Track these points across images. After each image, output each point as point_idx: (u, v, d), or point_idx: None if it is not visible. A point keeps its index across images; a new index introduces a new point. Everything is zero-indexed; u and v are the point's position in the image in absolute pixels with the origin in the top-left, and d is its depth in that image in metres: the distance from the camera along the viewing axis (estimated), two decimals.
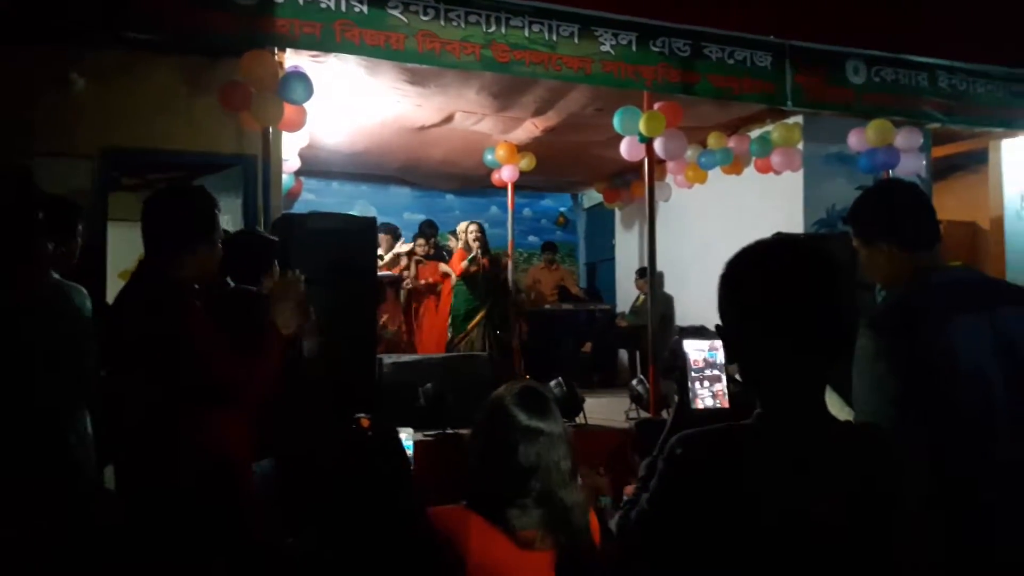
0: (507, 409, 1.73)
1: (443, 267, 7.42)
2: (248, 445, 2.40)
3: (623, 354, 8.55)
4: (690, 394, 1.61)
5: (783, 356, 1.22)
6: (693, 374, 1.62)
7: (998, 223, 7.28)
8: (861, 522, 1.16)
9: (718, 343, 1.61)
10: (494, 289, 7.07)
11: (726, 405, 1.58)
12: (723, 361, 1.60)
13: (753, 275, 1.26)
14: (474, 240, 6.99)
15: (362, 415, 1.70)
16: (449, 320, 7.18)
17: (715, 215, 7.30)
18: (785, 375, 1.23)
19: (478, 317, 6.92)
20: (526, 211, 10.52)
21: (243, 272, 2.93)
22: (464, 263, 6.93)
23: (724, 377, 1.59)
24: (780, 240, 1.30)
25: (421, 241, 7.63)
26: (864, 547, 1.16)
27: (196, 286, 2.39)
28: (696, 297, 7.34)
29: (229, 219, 5.12)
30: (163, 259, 2.30)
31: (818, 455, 1.19)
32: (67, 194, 3.56)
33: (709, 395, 1.61)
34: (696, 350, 1.66)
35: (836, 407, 2.08)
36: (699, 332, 2.37)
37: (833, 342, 1.23)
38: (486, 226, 8.02)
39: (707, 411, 1.57)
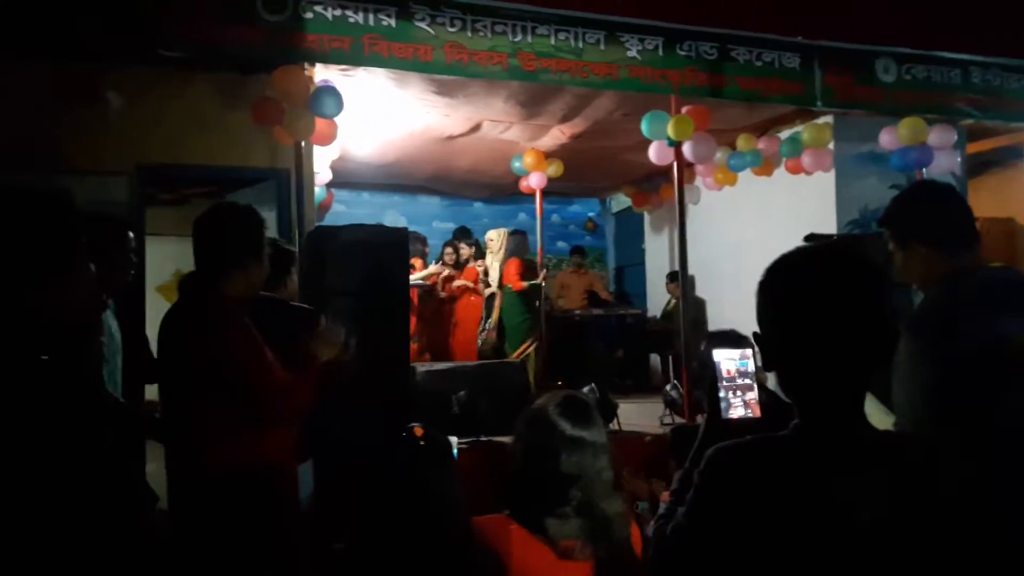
0: (550, 419, 1.75)
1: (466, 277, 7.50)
2: (292, 457, 2.45)
3: (655, 359, 8.51)
4: (722, 404, 1.60)
5: (823, 365, 1.21)
6: (724, 383, 1.62)
7: None
8: (903, 534, 1.14)
9: (748, 351, 1.60)
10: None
11: (758, 415, 1.57)
12: (754, 370, 1.60)
13: (792, 283, 1.26)
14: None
15: (416, 424, 1.72)
16: (481, 327, 7.23)
17: (746, 217, 7.25)
18: (825, 384, 1.22)
19: (533, 340, 7.02)
20: (554, 217, 10.52)
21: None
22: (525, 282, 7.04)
23: (756, 386, 1.59)
24: (818, 247, 1.29)
25: (450, 251, 7.66)
26: (908, 560, 1.14)
27: (245, 302, 2.45)
28: (728, 300, 7.28)
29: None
30: (214, 276, 2.37)
31: (858, 467, 1.17)
32: (104, 211, 3.64)
33: (741, 404, 1.60)
34: (727, 359, 1.66)
35: (877, 415, 2.07)
36: (727, 337, 2.37)
37: (873, 351, 1.22)
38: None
39: (739, 421, 1.56)
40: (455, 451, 1.73)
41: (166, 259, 5.75)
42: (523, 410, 1.88)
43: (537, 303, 7.27)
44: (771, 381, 1.57)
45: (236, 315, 2.33)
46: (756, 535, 1.16)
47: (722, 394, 1.57)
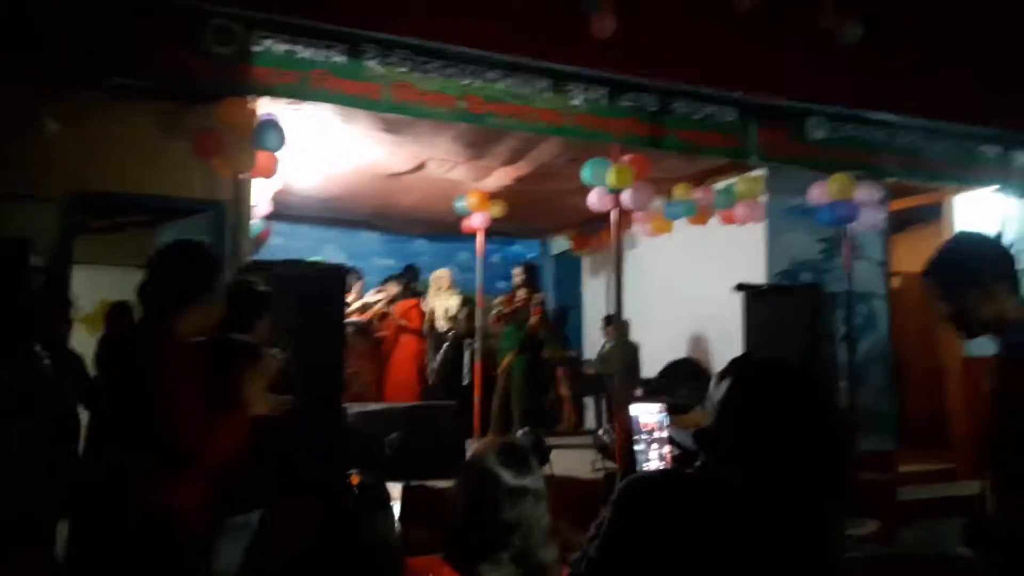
0: (490, 469, 1.74)
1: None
2: (199, 507, 2.39)
3: (588, 402, 8.56)
4: (638, 456, 1.67)
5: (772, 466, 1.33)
6: (643, 436, 1.68)
7: None
8: (790, 560, 1.26)
9: (664, 407, 1.71)
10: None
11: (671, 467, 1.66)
12: (668, 424, 1.70)
13: (756, 392, 1.39)
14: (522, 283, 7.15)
15: (353, 471, 1.68)
16: (419, 365, 7.20)
17: (680, 264, 7.43)
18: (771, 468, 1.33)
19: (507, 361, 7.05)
20: (495, 257, 10.56)
21: (235, 321, 2.92)
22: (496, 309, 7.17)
23: (669, 440, 1.68)
24: (780, 364, 1.43)
25: (393, 284, 7.63)
26: None
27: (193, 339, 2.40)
28: (661, 344, 7.42)
29: None
30: (167, 310, 2.33)
31: (751, 498, 1.29)
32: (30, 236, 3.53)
33: (658, 457, 1.66)
34: (647, 413, 1.71)
35: None
36: (684, 367, 2.45)
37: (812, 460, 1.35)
38: (455, 272, 8.09)
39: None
40: (393, 502, 1.70)
41: (93, 288, 5.56)
42: (462, 459, 1.88)
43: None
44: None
45: (182, 350, 2.28)
46: (659, 554, 1.25)
47: (640, 447, 1.63)
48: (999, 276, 2.14)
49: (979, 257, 2.20)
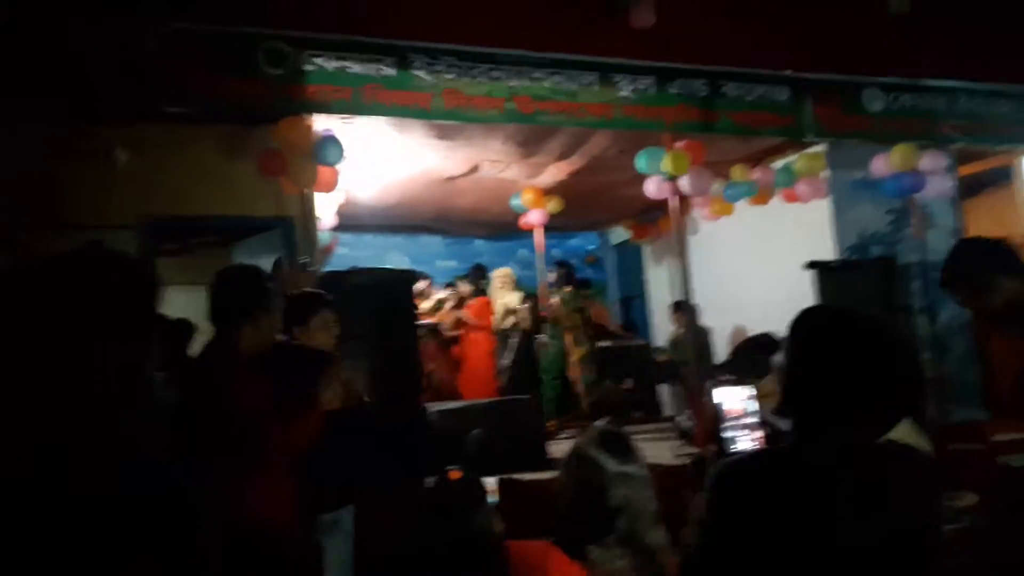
0: (593, 457, 1.80)
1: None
2: (290, 511, 2.51)
3: (663, 389, 8.53)
4: (727, 440, 1.68)
5: (841, 420, 1.31)
6: (730, 421, 1.69)
7: None
8: (895, 541, 1.25)
9: (754, 391, 1.68)
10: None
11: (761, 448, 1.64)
12: (757, 408, 1.67)
13: (821, 346, 1.37)
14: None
15: (452, 467, 1.77)
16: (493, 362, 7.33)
17: (746, 246, 7.33)
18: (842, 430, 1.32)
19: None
20: (555, 251, 10.59)
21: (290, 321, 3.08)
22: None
23: (762, 422, 1.66)
24: (851, 316, 1.39)
25: (463, 284, 7.78)
26: (892, 557, 1.24)
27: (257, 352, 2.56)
28: (733, 327, 7.35)
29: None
30: (225, 330, 2.54)
31: (851, 471, 1.28)
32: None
33: (748, 440, 1.67)
34: (733, 398, 1.73)
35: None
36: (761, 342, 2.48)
37: (891, 414, 1.33)
38: (516, 269, 8.17)
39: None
40: (494, 497, 1.77)
41: (174, 310, 5.82)
42: (542, 451, 1.94)
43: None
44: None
45: (237, 366, 2.44)
46: (761, 536, 1.26)
47: (727, 434, 1.65)
48: (1001, 272, 2.41)
49: (977, 261, 2.51)
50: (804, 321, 1.39)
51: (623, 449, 1.84)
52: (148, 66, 4.09)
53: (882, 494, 1.27)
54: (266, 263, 5.38)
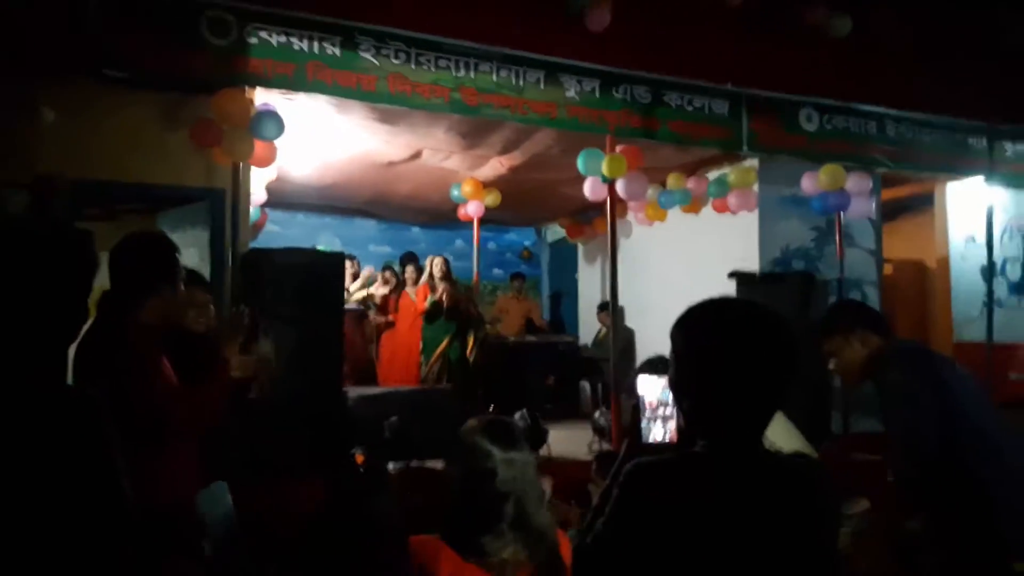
0: (479, 444, 1.83)
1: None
2: (191, 478, 2.45)
3: (586, 386, 8.66)
4: (643, 430, 1.73)
5: (731, 401, 1.37)
6: (647, 411, 1.74)
7: (944, 263, 7.58)
8: (793, 543, 1.32)
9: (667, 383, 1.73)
10: (459, 322, 7.17)
11: (675, 440, 1.70)
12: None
13: (705, 334, 1.41)
14: (440, 275, 7.10)
15: (357, 451, 1.78)
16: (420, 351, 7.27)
17: (675, 252, 7.50)
18: (731, 416, 1.37)
19: (440, 348, 7.02)
20: (491, 244, 10.65)
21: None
22: (428, 301, 7.04)
23: (675, 415, 1.72)
24: (733, 299, 1.43)
25: (389, 274, 7.70)
26: (791, 562, 1.31)
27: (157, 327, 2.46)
28: (656, 331, 7.50)
29: (196, 252, 5.16)
30: (125, 300, 2.39)
31: (758, 482, 1.34)
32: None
33: (662, 431, 1.72)
34: (651, 387, 1.78)
35: (786, 435, 2.31)
36: (661, 364, 2.52)
37: (774, 395, 1.38)
38: (451, 259, 8.15)
39: (658, 445, 1.69)
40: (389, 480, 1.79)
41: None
42: (447, 434, 1.96)
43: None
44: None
45: (146, 338, 2.35)
46: (666, 540, 1.31)
47: (644, 422, 1.70)
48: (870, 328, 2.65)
49: (851, 316, 2.73)
50: (680, 322, 1.44)
51: (509, 437, 1.88)
52: (88, 26, 3.93)
53: (784, 504, 1.33)
54: (192, 235, 5.26)
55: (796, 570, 1.32)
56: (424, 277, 7.29)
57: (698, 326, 1.42)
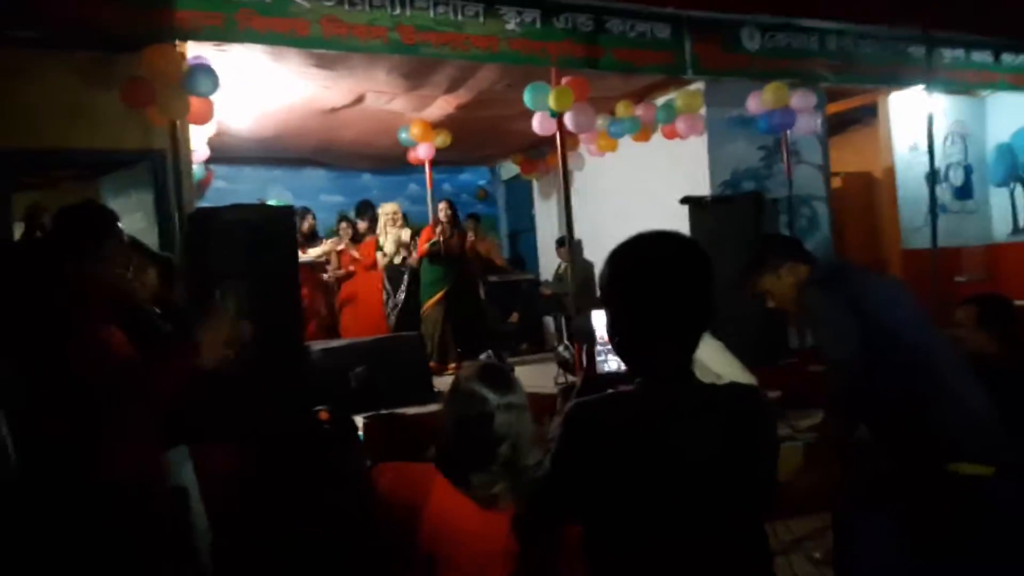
0: (475, 391, 1.85)
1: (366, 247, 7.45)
2: (155, 440, 2.43)
3: (549, 321, 8.75)
4: (598, 359, 1.77)
5: (660, 332, 1.41)
6: (600, 342, 1.78)
7: (890, 173, 7.74)
8: (725, 463, 1.38)
9: None
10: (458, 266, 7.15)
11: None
12: None
13: (632, 267, 1.45)
14: (447, 219, 7.02)
15: (321, 407, 1.78)
16: (392, 302, 7.24)
17: (628, 182, 7.51)
18: (661, 347, 1.42)
19: (438, 295, 6.98)
20: (446, 186, 10.54)
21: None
22: (427, 244, 6.97)
23: None
24: (658, 235, 1.47)
25: (345, 225, 7.61)
26: (728, 485, 1.38)
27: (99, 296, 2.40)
28: None
29: (143, 216, 5.04)
30: (66, 274, 2.32)
31: (692, 413, 1.40)
32: None
33: (616, 363, 1.76)
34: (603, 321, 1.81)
35: (725, 363, 2.41)
36: None
37: (696, 320, 1.43)
38: (406, 203, 8.08)
39: (613, 374, 1.73)
40: (359, 432, 1.80)
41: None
42: (428, 386, 1.97)
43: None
44: None
45: (93, 313, 2.30)
46: (604, 473, 1.36)
47: (599, 353, 1.74)
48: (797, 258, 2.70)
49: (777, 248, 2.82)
50: (604, 265, 1.48)
51: (504, 381, 1.90)
52: None
53: (717, 433, 1.39)
54: (137, 198, 5.13)
55: (732, 498, 1.38)
56: (380, 226, 7.23)
57: (616, 265, 1.46)
